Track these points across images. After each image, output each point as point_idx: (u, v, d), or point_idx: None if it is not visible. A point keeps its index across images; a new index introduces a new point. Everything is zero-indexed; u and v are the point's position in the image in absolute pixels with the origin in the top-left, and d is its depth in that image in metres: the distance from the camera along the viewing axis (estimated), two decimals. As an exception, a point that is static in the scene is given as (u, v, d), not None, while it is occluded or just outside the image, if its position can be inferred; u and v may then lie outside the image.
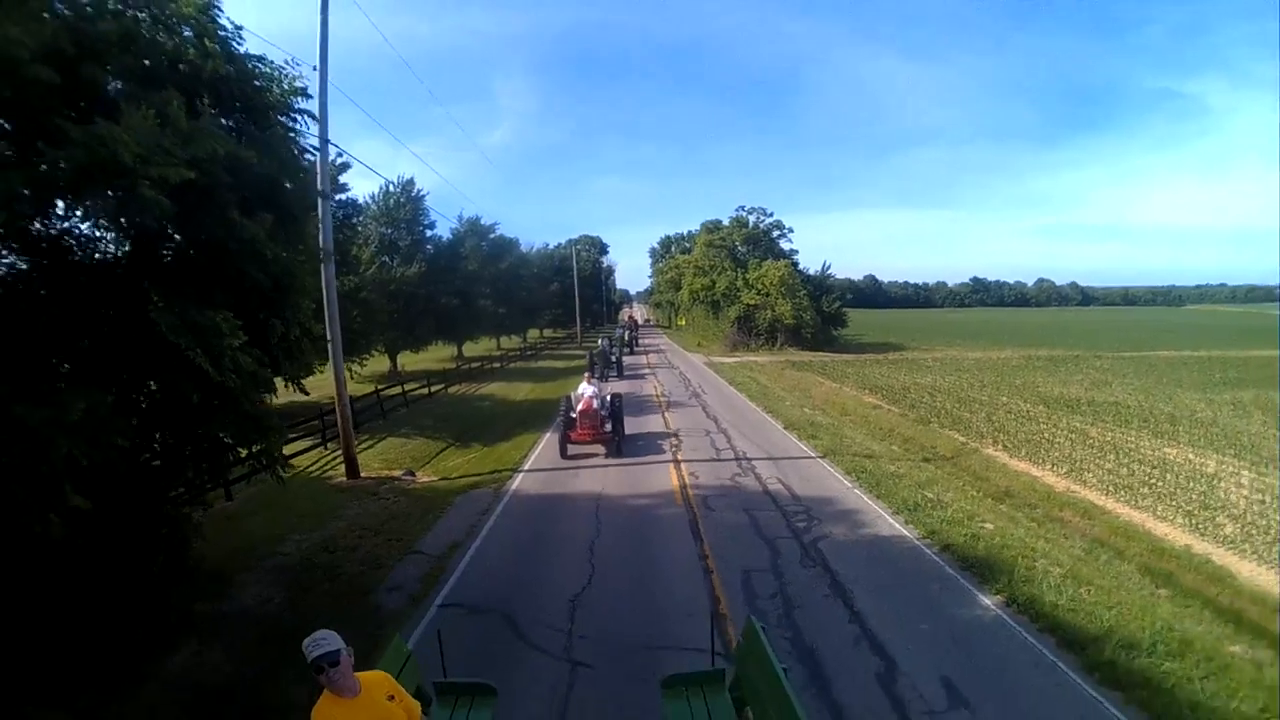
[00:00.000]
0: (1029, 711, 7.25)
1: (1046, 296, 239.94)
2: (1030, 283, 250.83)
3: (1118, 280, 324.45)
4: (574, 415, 19.39)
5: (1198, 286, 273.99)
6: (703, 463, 18.45)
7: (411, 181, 43.44)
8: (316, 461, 19.61)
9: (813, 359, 50.77)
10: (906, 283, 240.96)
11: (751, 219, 71.82)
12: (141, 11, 7.65)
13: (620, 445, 19.53)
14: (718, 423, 24.41)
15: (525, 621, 9.31)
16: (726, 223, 73.66)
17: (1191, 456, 19.52)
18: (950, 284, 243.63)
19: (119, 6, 7.40)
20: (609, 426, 19.62)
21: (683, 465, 18.10)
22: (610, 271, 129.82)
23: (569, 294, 78.13)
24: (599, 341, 45.79)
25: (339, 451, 18.57)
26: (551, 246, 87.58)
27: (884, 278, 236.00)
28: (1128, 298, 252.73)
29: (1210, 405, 28.47)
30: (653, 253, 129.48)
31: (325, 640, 3.87)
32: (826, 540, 12.41)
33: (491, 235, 55.32)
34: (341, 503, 15.43)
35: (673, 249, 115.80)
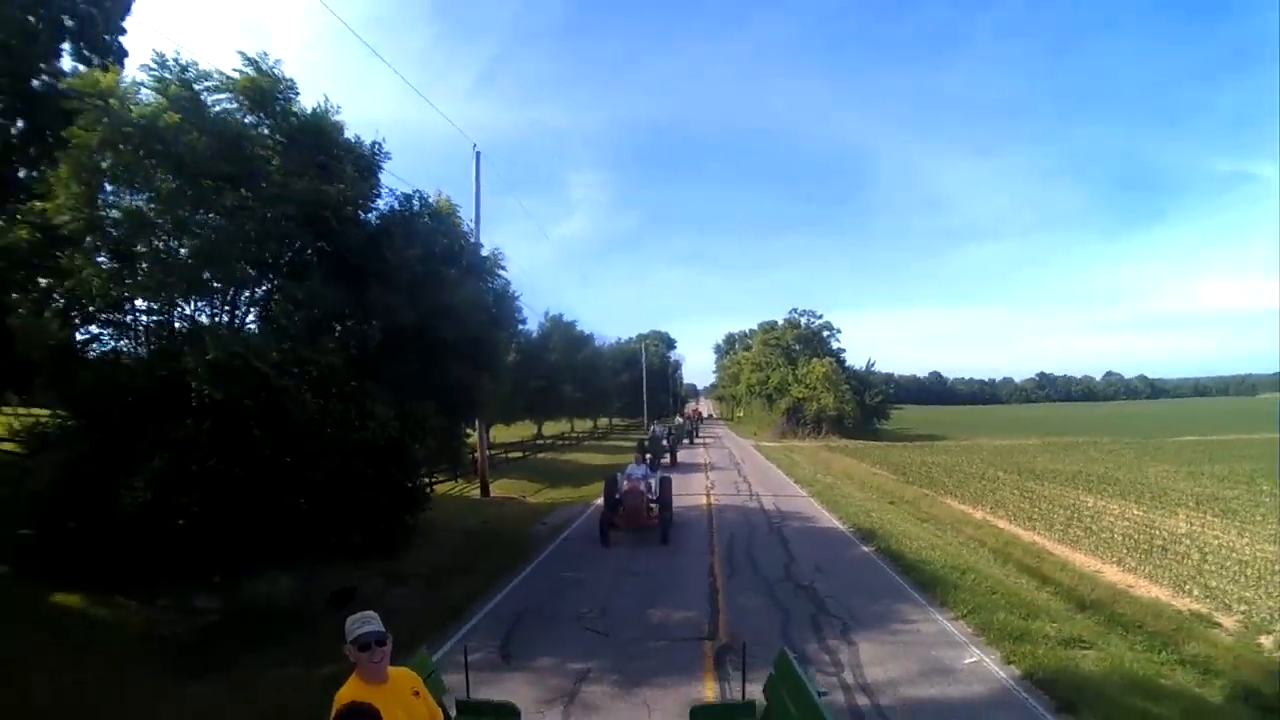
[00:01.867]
0: (858, 579, 14.83)
1: (1114, 390, 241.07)
2: (1098, 376, 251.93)
3: (1188, 371, 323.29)
4: (619, 496, 18.44)
5: (1276, 374, 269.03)
6: (726, 495, 26.37)
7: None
8: (455, 488, 27.93)
9: (849, 445, 57.82)
10: (972, 379, 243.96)
11: (803, 320, 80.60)
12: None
13: (667, 533, 18.13)
14: (745, 477, 32.43)
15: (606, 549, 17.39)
16: (781, 323, 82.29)
17: (1101, 502, 25.96)
18: (1017, 380, 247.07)
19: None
20: (655, 511, 18.66)
21: (712, 494, 26.07)
22: (677, 366, 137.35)
23: (638, 384, 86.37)
24: (652, 428, 49.32)
25: (468, 483, 26.90)
26: (623, 340, 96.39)
27: (950, 374, 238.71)
28: (1198, 388, 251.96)
29: (1165, 474, 34.66)
30: (717, 349, 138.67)
31: (373, 619, 3.94)
32: (786, 526, 20.32)
33: (572, 332, 64.12)
34: (483, 507, 23.72)
35: (736, 346, 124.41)
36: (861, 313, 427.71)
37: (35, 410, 14.39)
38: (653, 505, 18.68)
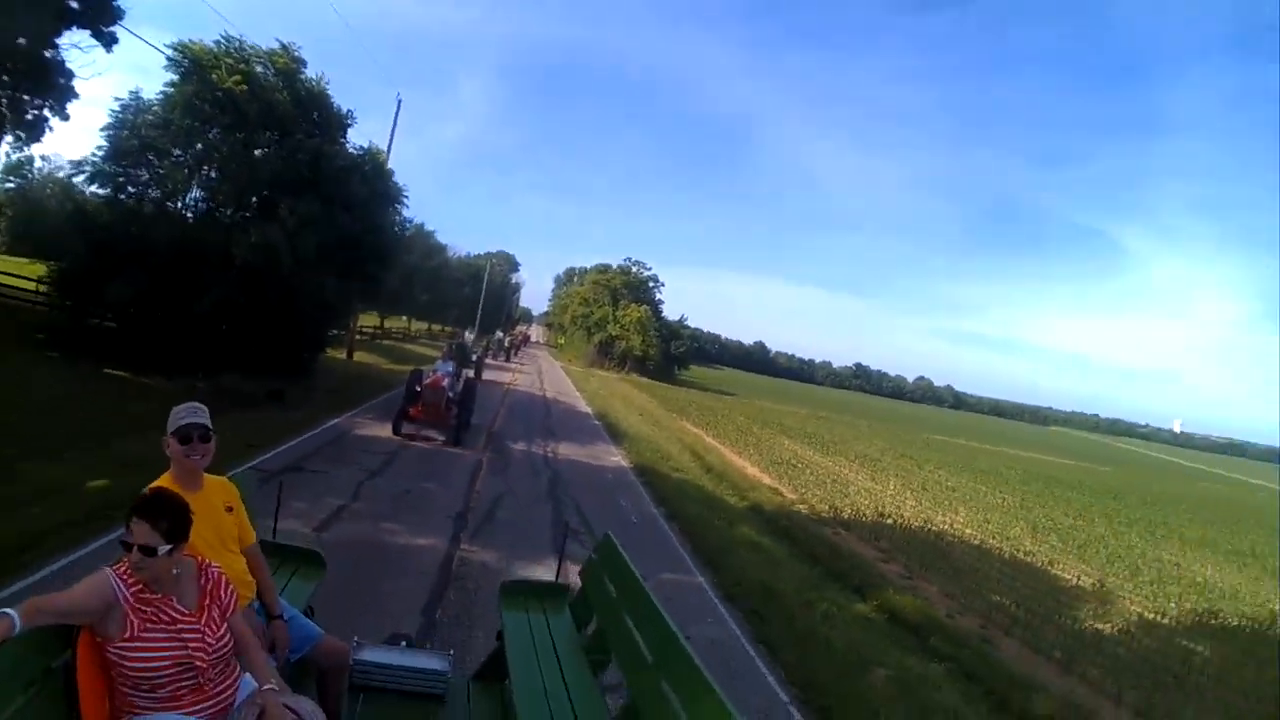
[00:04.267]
0: (580, 429, 25.25)
1: (921, 393, 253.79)
2: (911, 378, 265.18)
3: (999, 393, 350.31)
4: (419, 389, 18.29)
5: (1072, 413, 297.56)
6: (524, 388, 36.87)
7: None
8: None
9: (644, 381, 68.89)
10: (794, 355, 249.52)
11: (634, 269, 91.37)
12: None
13: (460, 435, 18.40)
14: (543, 382, 43.26)
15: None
16: (615, 267, 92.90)
17: (791, 444, 37.14)
18: (835, 365, 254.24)
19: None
20: (454, 411, 18.59)
21: (513, 385, 36.42)
22: (517, 288, 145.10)
23: (478, 299, 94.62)
24: (465, 333, 53.20)
25: (335, 350, 35.99)
26: (471, 254, 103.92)
27: (776, 346, 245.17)
28: (997, 409, 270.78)
29: (866, 445, 47.18)
30: (557, 279, 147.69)
31: (200, 411, 3.62)
32: (554, 407, 31.12)
33: (430, 240, 72.16)
34: (350, 365, 32.93)
35: (574, 280, 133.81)
36: (708, 271, 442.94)
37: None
38: (453, 404, 18.64)
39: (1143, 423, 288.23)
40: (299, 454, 14.33)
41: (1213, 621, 16.84)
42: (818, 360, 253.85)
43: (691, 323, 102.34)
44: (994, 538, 21.52)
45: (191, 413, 3.57)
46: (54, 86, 19.95)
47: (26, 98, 20.04)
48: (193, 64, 20.62)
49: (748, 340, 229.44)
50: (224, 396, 17.10)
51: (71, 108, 21.17)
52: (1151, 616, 16.22)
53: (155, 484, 3.36)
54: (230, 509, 3.77)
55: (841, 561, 14.65)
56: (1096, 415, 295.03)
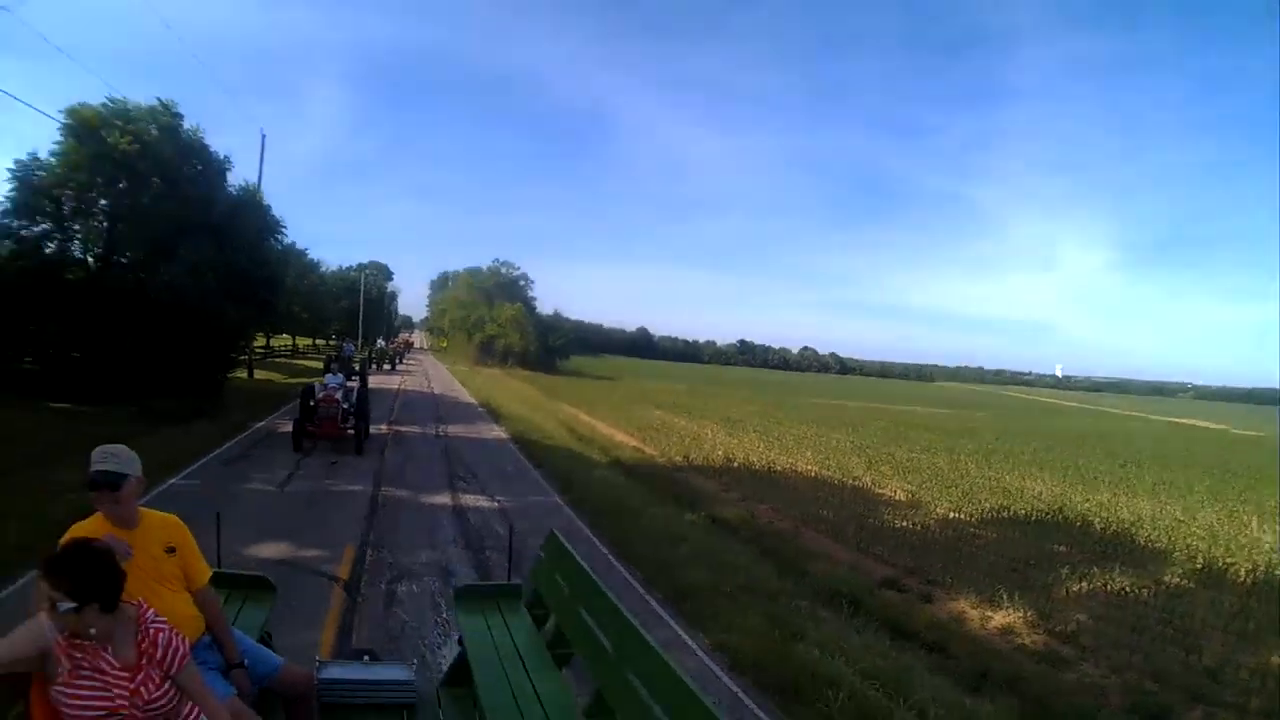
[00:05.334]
0: (467, 415, 29.14)
1: (808, 363, 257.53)
2: (795, 349, 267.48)
3: (885, 355, 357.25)
4: (313, 404, 18.40)
5: (958, 367, 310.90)
6: (414, 388, 40.34)
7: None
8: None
9: (526, 374, 72.26)
10: (677, 338, 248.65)
11: (503, 269, 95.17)
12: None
13: (362, 444, 18.64)
14: (429, 381, 46.78)
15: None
16: (485, 269, 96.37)
17: (661, 414, 41.37)
18: (719, 343, 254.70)
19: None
20: (351, 423, 18.72)
21: (403, 387, 39.80)
22: (394, 296, 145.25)
23: (356, 311, 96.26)
24: (345, 345, 55.97)
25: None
26: (345, 268, 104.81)
27: (660, 331, 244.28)
28: (884, 371, 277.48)
29: (741, 410, 52.03)
30: (432, 285, 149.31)
31: (114, 456, 3.35)
32: (443, 401, 34.89)
33: (303, 260, 73.86)
34: (252, 382, 35.78)
35: (449, 283, 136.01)
36: (586, 265, 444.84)
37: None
38: (349, 416, 18.76)
39: (1026, 370, 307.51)
40: (243, 448, 18.15)
41: (1003, 515, 19.29)
42: (702, 340, 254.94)
43: (573, 315, 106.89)
44: (832, 472, 24.28)
45: (101, 458, 3.31)
46: None
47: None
48: (85, 127, 23.49)
49: (630, 327, 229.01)
50: (155, 416, 20.38)
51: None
52: (952, 515, 18.68)
53: (85, 523, 3.33)
54: (172, 550, 3.55)
55: (681, 490, 18.31)
56: (981, 368, 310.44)
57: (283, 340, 74.06)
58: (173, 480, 13.74)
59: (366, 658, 5.25)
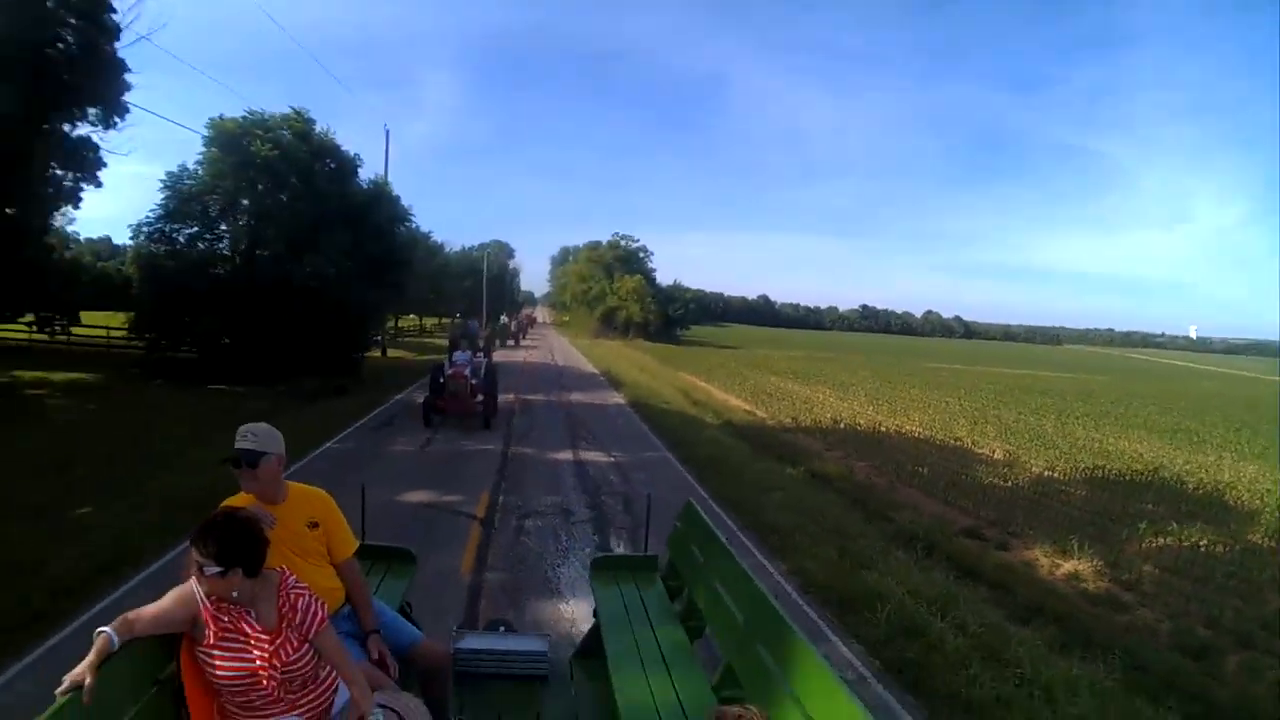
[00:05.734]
0: (589, 384, 30.71)
1: (931, 327, 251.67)
2: (919, 314, 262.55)
3: (1010, 318, 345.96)
4: (442, 381, 18.99)
5: (1086, 329, 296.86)
6: (538, 359, 42.18)
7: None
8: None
9: (646, 345, 73.83)
10: (799, 305, 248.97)
11: (623, 242, 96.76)
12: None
13: (490, 420, 19.14)
14: (553, 354, 48.88)
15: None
16: (605, 243, 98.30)
17: (777, 380, 42.67)
18: (841, 309, 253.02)
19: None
20: (480, 398, 19.08)
21: (528, 359, 41.74)
22: (516, 274, 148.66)
23: (479, 289, 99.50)
24: (469, 322, 60.65)
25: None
26: (468, 248, 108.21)
27: (781, 299, 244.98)
28: (1008, 334, 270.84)
29: (855, 375, 52.44)
30: (553, 260, 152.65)
31: (253, 435, 3.51)
32: (565, 373, 36.60)
33: (428, 243, 77.19)
34: (385, 360, 38.42)
35: (570, 258, 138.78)
36: (706, 234, 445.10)
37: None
38: (478, 391, 19.05)
39: (1158, 332, 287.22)
40: (385, 417, 20.23)
41: (1098, 475, 19.19)
42: (824, 307, 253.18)
43: (694, 284, 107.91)
44: (936, 432, 24.65)
45: (242, 437, 3.49)
46: (86, 162, 23.58)
47: (62, 172, 23.68)
48: (231, 138, 25.97)
49: (752, 295, 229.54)
50: (303, 394, 22.58)
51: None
52: (1046, 474, 18.88)
53: (235, 497, 3.45)
54: (315, 524, 3.67)
55: (785, 449, 19.10)
56: (1111, 330, 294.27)
57: (409, 320, 77.74)
58: (328, 444, 15.64)
59: (503, 629, 5.59)
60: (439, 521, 10.46)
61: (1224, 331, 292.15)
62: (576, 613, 7.68)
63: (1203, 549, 12.91)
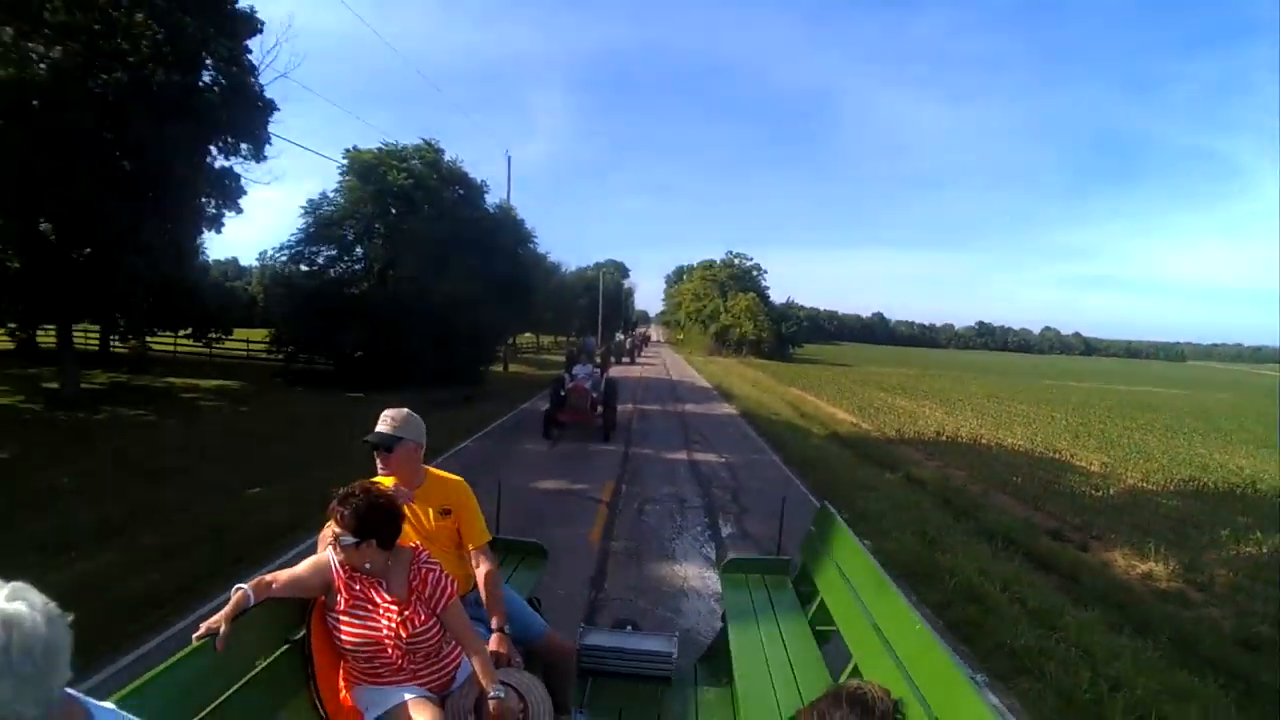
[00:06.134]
0: (701, 397, 31.80)
1: (1049, 344, 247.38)
2: (1037, 330, 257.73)
3: (1131, 334, 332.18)
4: (563, 394, 19.25)
5: (1213, 345, 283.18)
6: (651, 374, 43.53)
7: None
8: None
9: (758, 362, 74.62)
10: (913, 323, 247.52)
11: (736, 261, 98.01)
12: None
13: (609, 433, 19.18)
14: (667, 369, 50.41)
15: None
16: (719, 261, 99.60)
17: (885, 395, 42.83)
18: (958, 326, 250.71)
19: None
20: (600, 410, 19.33)
21: (643, 378, 43.13)
22: (630, 292, 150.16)
23: (595, 308, 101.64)
24: (586, 339, 61.39)
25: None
26: (583, 267, 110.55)
27: (895, 316, 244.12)
28: (1130, 350, 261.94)
29: (966, 391, 52.25)
30: (667, 279, 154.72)
31: (392, 420, 3.65)
32: (679, 386, 37.84)
33: (546, 263, 79.78)
34: (507, 375, 40.38)
35: (683, 277, 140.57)
36: (817, 251, 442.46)
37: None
38: (598, 405, 19.31)
39: None
40: (514, 422, 21.89)
41: (1193, 487, 19.00)
42: (939, 324, 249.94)
43: (807, 302, 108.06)
44: (1036, 445, 24.59)
45: (381, 421, 3.63)
46: (230, 191, 24.60)
47: (210, 200, 24.89)
48: (368, 167, 28.29)
49: (866, 313, 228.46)
50: (432, 403, 24.25)
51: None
52: (1141, 485, 18.86)
53: (375, 478, 3.52)
54: (447, 511, 3.71)
55: (886, 457, 19.53)
56: (1239, 344, 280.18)
57: (526, 338, 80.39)
58: (464, 443, 17.25)
59: (630, 627, 5.58)
60: (570, 503, 11.84)
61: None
62: (689, 574, 8.83)
63: (1284, 557, 12.93)
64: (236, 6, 20.64)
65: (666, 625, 6.91)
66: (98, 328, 29.45)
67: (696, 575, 8.79)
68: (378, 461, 3.60)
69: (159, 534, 9.25)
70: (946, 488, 15.91)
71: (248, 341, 33.91)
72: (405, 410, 3.68)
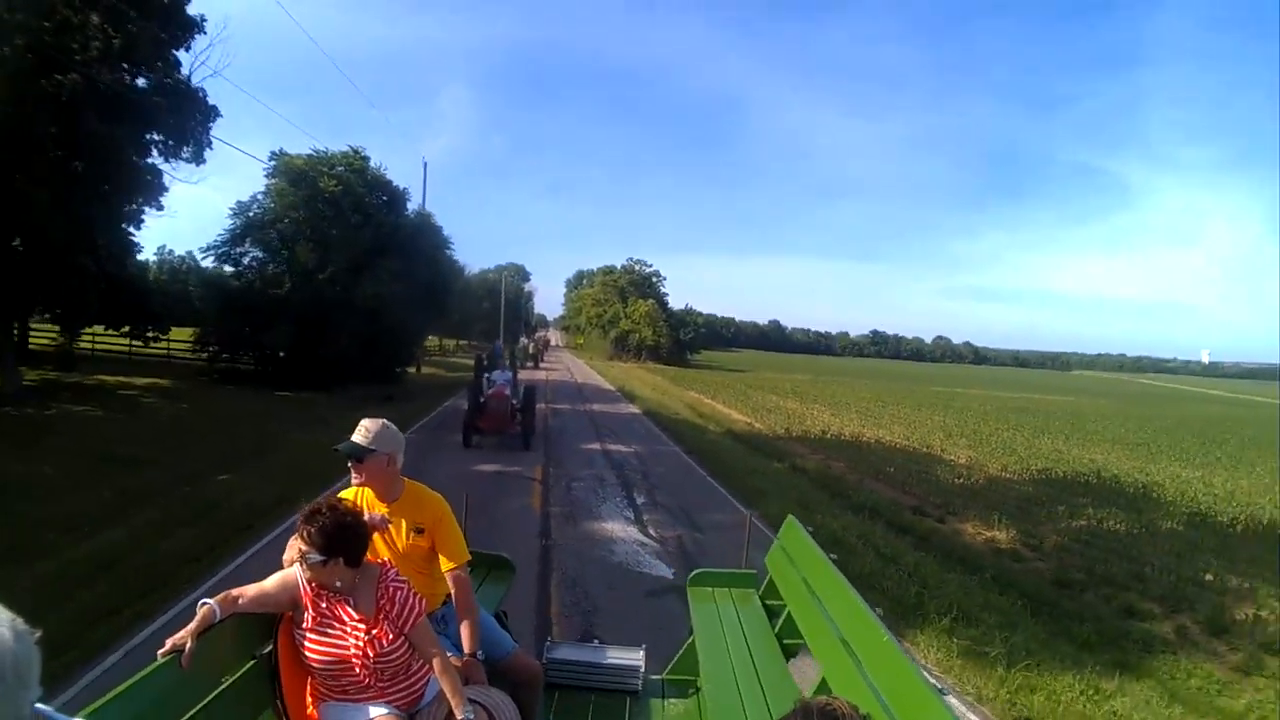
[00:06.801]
0: (605, 397, 34.21)
1: (941, 353, 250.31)
2: (929, 339, 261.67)
3: (1020, 344, 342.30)
4: (482, 400, 18.93)
5: (1097, 355, 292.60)
6: (559, 377, 45.88)
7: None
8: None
9: (657, 367, 77.06)
10: (810, 330, 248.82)
11: (636, 267, 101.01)
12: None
13: (529, 439, 18.97)
14: (571, 373, 53.00)
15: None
16: (619, 267, 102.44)
17: (775, 398, 45.73)
18: (852, 334, 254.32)
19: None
20: (518, 418, 18.93)
21: (549, 381, 45.31)
22: (530, 296, 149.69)
23: (497, 310, 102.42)
24: (495, 344, 58.73)
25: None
26: (485, 270, 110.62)
27: (792, 324, 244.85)
28: (1018, 359, 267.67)
29: (854, 396, 55.75)
30: (567, 283, 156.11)
31: (366, 430, 3.52)
32: (585, 388, 40.51)
33: (453, 267, 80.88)
34: (419, 375, 41.97)
35: (584, 282, 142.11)
36: (717, 257, 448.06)
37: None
38: (517, 411, 18.97)
39: (1170, 357, 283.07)
40: (439, 420, 23.98)
41: (1046, 476, 21.22)
42: (834, 332, 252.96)
43: (704, 309, 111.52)
44: (912, 443, 26.84)
45: (355, 430, 3.52)
46: (153, 188, 24.22)
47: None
48: (299, 173, 29.74)
49: (763, 320, 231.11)
50: (356, 400, 25.98)
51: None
52: (1000, 474, 20.92)
53: (345, 491, 3.59)
54: (421, 529, 3.64)
55: (775, 451, 22.22)
56: (1123, 354, 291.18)
57: (431, 341, 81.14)
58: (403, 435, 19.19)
59: (597, 641, 5.56)
60: (510, 482, 14.33)
61: (1238, 356, 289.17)
62: (615, 528, 11.47)
63: (1111, 529, 15.03)
64: (186, 11, 21.38)
65: (607, 573, 9.19)
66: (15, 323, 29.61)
67: (620, 529, 11.44)
68: (351, 471, 3.54)
69: (160, 511, 10.52)
70: (827, 475, 18.38)
71: (169, 341, 34.40)
72: (381, 421, 3.58)
